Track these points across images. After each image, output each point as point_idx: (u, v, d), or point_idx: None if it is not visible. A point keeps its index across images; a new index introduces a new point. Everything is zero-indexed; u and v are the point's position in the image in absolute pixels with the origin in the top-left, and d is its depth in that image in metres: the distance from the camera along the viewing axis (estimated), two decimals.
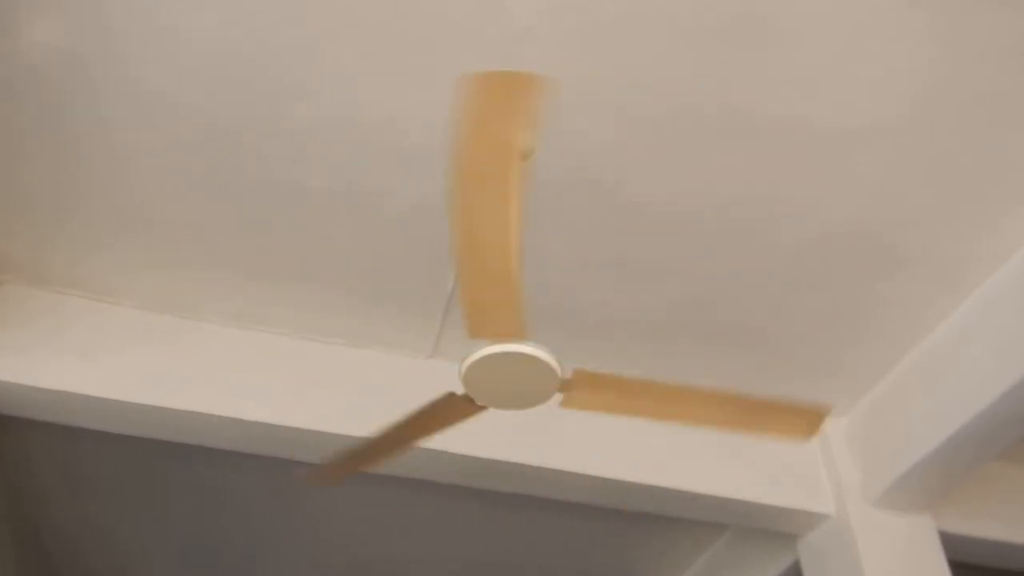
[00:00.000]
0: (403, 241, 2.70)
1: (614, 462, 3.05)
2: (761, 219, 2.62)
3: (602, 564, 4.36)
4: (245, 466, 3.61)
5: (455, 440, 2.93)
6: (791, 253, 2.73)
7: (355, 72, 2.24)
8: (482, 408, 2.02)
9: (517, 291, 1.77)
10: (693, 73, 2.23)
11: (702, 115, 2.33)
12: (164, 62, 2.22)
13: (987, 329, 2.81)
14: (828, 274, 2.80)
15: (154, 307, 2.94)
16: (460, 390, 1.97)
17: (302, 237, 2.71)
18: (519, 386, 1.88)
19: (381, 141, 2.41)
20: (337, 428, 2.88)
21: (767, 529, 3.42)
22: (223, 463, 3.61)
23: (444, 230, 2.61)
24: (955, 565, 3.15)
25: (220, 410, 2.82)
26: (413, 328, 2.98)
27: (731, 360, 3.13)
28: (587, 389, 1.95)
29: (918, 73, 2.24)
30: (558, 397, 1.97)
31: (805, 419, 2.12)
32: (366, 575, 4.52)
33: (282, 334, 3.03)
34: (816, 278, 2.82)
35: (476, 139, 1.57)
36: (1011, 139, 2.42)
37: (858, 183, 2.52)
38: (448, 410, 2.07)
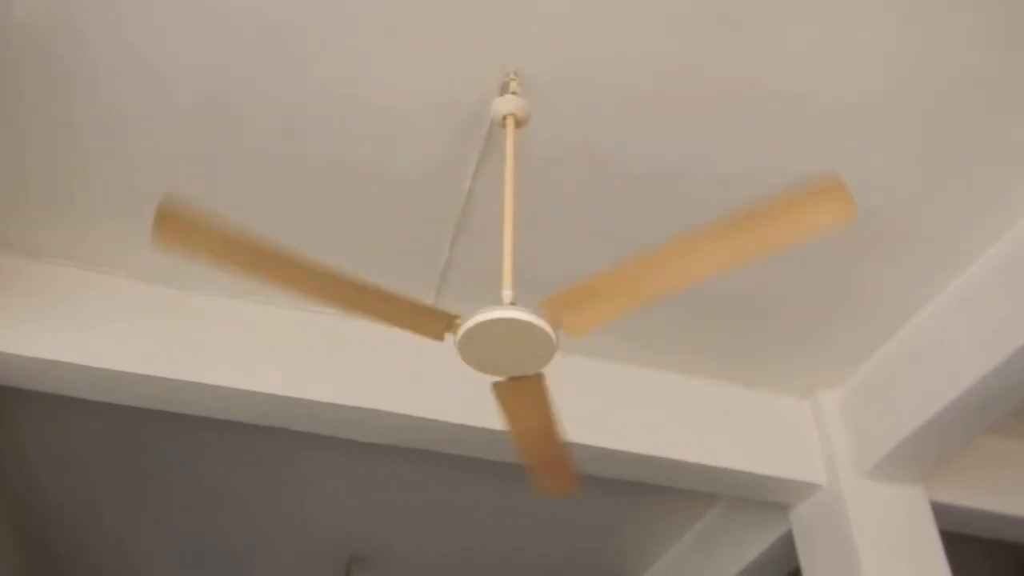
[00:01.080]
0: (398, 212, 2.69)
1: (606, 431, 3.06)
2: (759, 194, 2.60)
3: (595, 535, 4.39)
4: (240, 438, 3.62)
5: (449, 409, 2.96)
6: None
7: (352, 43, 2.22)
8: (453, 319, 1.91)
9: (377, 294, 1.83)
10: (690, 50, 2.22)
11: (699, 91, 2.32)
12: (163, 35, 2.20)
13: (979, 305, 2.82)
14: (825, 250, 2.80)
15: (151, 278, 2.93)
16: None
17: (297, 209, 2.70)
18: (517, 352, 1.87)
19: (376, 112, 2.40)
20: (332, 398, 2.90)
21: (759, 499, 3.45)
22: (217, 437, 3.63)
23: (439, 200, 2.64)
24: (947, 535, 3.18)
25: (216, 380, 2.82)
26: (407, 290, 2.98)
27: (728, 333, 3.14)
28: (569, 309, 1.86)
29: (915, 52, 2.24)
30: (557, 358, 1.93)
31: (830, 199, 1.72)
32: (363, 557, 4.57)
33: (277, 305, 3.03)
34: (813, 254, 2.81)
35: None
36: (1005, 121, 2.42)
37: (855, 161, 2.52)
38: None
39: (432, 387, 2.97)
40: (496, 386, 2.03)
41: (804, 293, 2.97)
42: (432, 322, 1.91)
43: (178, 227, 1.74)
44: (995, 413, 2.93)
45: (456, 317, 1.87)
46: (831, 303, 3.02)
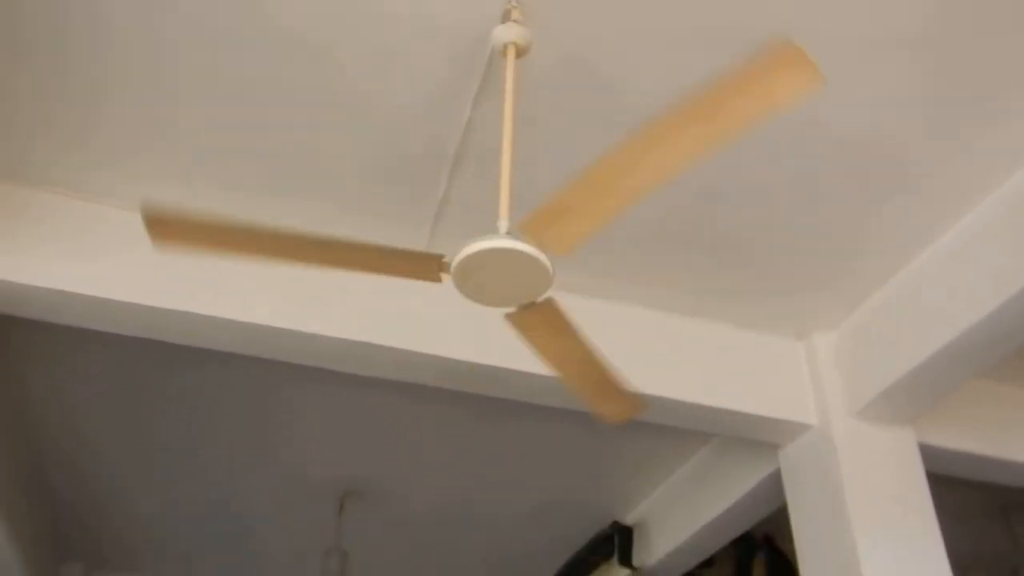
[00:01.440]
0: (394, 143, 2.65)
1: None
2: (764, 128, 2.58)
3: (587, 472, 4.45)
4: (237, 372, 3.65)
5: (446, 344, 2.97)
6: (791, 165, 2.70)
7: None
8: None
9: (364, 250, 1.89)
10: None
11: (700, 20, 2.27)
12: None
13: (978, 251, 2.81)
14: (827, 189, 2.78)
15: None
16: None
17: (294, 139, 2.66)
18: (515, 280, 1.86)
19: (375, 41, 2.35)
20: (328, 331, 2.90)
21: (751, 439, 3.48)
22: (215, 371, 3.65)
23: (434, 135, 2.61)
24: (934, 477, 3.22)
25: (213, 311, 2.82)
26: (402, 235, 2.96)
27: (725, 269, 3.13)
28: (550, 227, 1.81)
29: None
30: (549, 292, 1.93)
31: (794, 68, 1.60)
32: (356, 491, 4.63)
33: None
34: (815, 192, 2.79)
35: None
36: (1018, 65, 2.37)
37: (864, 98, 2.48)
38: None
39: (429, 321, 2.97)
40: (509, 317, 2.02)
41: (803, 234, 2.96)
42: (423, 266, 1.91)
43: (169, 228, 1.86)
44: (988, 358, 2.94)
45: (442, 257, 1.86)
46: (833, 245, 3.00)
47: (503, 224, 1.88)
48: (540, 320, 2.02)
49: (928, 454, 3.26)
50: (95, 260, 2.78)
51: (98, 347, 3.50)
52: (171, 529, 5.14)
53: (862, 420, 3.22)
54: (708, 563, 4.61)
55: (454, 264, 1.84)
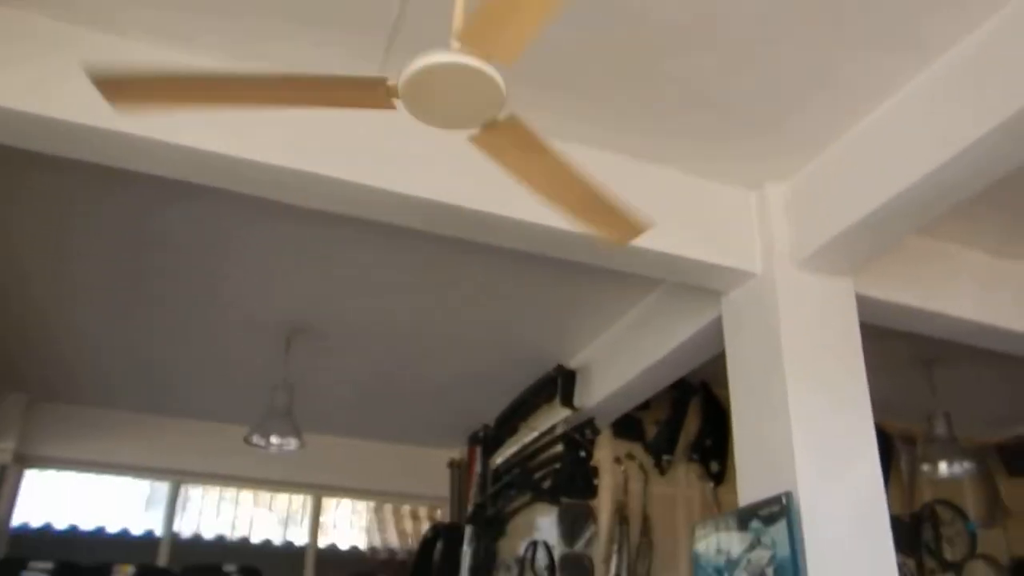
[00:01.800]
0: None
1: (547, 208, 3.05)
2: None
3: (533, 316, 4.52)
4: (187, 204, 3.57)
5: (402, 180, 2.92)
6: (752, 6, 2.62)
7: None
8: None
9: (309, 82, 1.86)
10: None
11: None
12: None
13: (930, 107, 2.80)
14: (786, 35, 2.71)
15: (76, 20, 2.73)
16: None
17: None
18: (467, 98, 1.79)
19: None
20: (279, 160, 2.81)
21: (696, 285, 3.53)
22: (164, 200, 3.56)
23: None
24: (866, 328, 3.32)
25: (159, 135, 2.70)
26: (354, 56, 2.84)
27: (679, 116, 3.08)
28: (490, 34, 1.69)
29: None
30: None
31: None
32: (303, 329, 4.64)
33: (221, 59, 2.87)
34: (774, 38, 2.73)
35: None
36: None
37: None
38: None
39: (386, 153, 2.90)
40: (474, 140, 1.94)
41: (764, 81, 2.90)
42: (370, 92, 1.81)
43: (121, 88, 1.85)
44: (929, 213, 2.98)
45: (386, 80, 1.78)
46: (791, 93, 2.96)
47: (455, 44, 1.80)
48: (508, 140, 1.93)
49: (864, 305, 3.35)
50: (32, 74, 2.61)
51: (44, 173, 3.39)
52: (117, 363, 5.16)
53: (804, 270, 3.28)
54: (644, 406, 4.81)
55: (400, 86, 1.77)
